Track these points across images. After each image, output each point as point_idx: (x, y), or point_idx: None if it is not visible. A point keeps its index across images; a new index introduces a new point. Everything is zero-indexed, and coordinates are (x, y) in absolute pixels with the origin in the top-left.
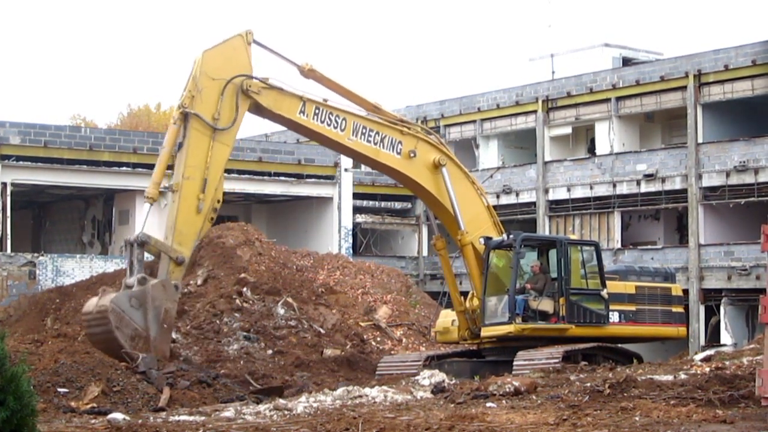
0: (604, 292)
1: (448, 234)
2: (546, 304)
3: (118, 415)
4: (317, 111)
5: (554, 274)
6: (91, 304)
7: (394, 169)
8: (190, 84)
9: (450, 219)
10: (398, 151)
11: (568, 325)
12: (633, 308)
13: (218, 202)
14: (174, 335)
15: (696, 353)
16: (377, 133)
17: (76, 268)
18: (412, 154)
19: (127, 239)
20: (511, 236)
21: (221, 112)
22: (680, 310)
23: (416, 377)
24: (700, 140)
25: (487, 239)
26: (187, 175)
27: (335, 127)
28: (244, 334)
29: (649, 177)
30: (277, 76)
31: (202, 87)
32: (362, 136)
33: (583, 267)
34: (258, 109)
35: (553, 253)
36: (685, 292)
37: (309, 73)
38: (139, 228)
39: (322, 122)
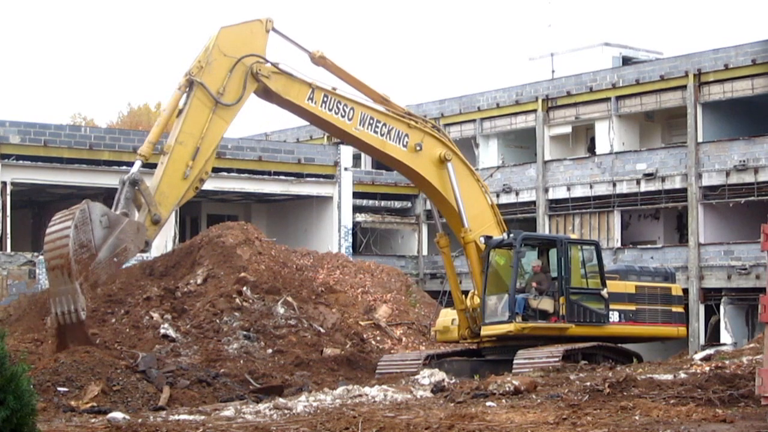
0: (604, 292)
1: (451, 232)
2: (546, 304)
3: (117, 414)
4: (325, 99)
5: (554, 274)
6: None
7: (400, 162)
8: (201, 55)
9: (454, 215)
10: (404, 143)
11: (567, 325)
12: (633, 308)
13: (206, 173)
14: (174, 334)
15: (696, 352)
16: (384, 124)
17: None
18: (418, 148)
19: (121, 178)
20: (512, 235)
21: (226, 88)
22: (680, 309)
23: (416, 376)
24: (700, 139)
25: (488, 238)
26: (181, 140)
27: (342, 116)
28: (244, 333)
29: (649, 176)
30: (287, 62)
31: (212, 60)
32: (369, 127)
33: (584, 266)
34: (266, 94)
35: (553, 253)
36: (685, 291)
37: (319, 61)
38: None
39: (330, 110)
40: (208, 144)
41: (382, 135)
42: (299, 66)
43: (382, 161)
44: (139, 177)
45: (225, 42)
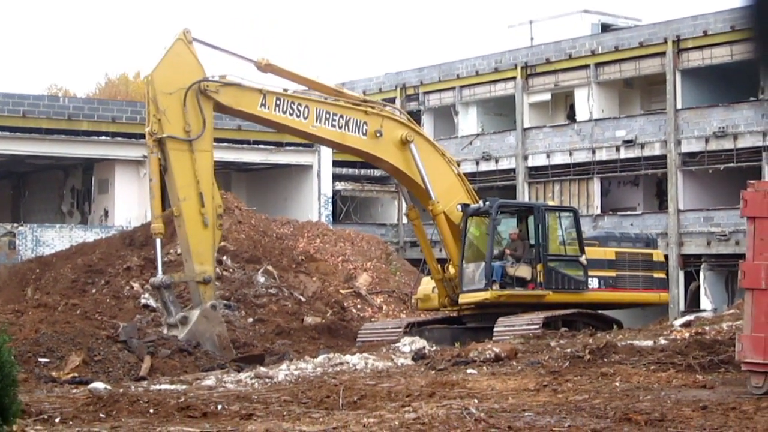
0: (582, 258)
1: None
2: (523, 271)
3: (99, 385)
4: (278, 102)
5: (533, 241)
6: None
7: (362, 151)
8: (152, 108)
9: (422, 192)
10: (364, 132)
11: (545, 292)
12: (613, 274)
13: (220, 206)
14: (155, 304)
15: (676, 319)
16: (341, 116)
17: (55, 238)
18: (378, 134)
19: (152, 283)
20: (488, 203)
21: (190, 122)
22: (662, 275)
23: (397, 344)
24: (679, 106)
25: (465, 206)
26: (183, 197)
27: (298, 116)
28: (225, 302)
29: (629, 143)
30: (235, 73)
31: (164, 107)
32: (326, 122)
33: (562, 233)
34: (219, 108)
35: (531, 220)
36: (665, 257)
37: (266, 68)
38: (119, 198)
39: (284, 113)
40: (205, 183)
41: (340, 128)
42: (247, 75)
43: (345, 152)
44: (168, 280)
45: (162, 82)
